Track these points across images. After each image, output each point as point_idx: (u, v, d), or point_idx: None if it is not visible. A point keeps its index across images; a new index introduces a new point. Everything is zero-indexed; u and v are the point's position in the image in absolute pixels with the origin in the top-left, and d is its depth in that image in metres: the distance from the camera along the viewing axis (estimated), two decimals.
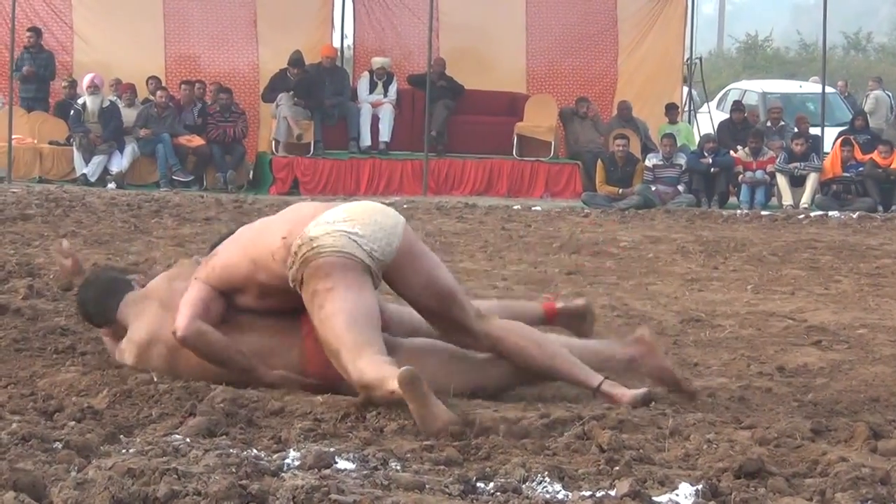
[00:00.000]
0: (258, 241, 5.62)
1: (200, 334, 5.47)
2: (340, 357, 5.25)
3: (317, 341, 5.52)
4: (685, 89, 23.77)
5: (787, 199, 19.95)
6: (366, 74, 21.52)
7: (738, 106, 23.00)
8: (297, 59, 20.55)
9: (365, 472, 4.09)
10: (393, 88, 21.41)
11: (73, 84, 20.49)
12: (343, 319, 5.27)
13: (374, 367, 5.10)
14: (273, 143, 20.48)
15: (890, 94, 27.24)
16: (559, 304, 6.22)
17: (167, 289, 5.85)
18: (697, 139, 22.16)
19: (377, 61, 21.49)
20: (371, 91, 21.36)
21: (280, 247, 5.49)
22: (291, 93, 20.37)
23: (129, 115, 20.27)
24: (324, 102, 20.75)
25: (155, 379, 5.35)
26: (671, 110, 22.03)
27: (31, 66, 20.41)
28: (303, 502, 3.73)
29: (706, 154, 20.33)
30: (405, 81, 21.81)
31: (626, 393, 5.36)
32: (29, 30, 20.53)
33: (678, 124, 22.10)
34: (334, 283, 5.34)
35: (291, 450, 4.34)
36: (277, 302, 5.62)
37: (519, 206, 18.24)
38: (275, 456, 4.26)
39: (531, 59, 22.63)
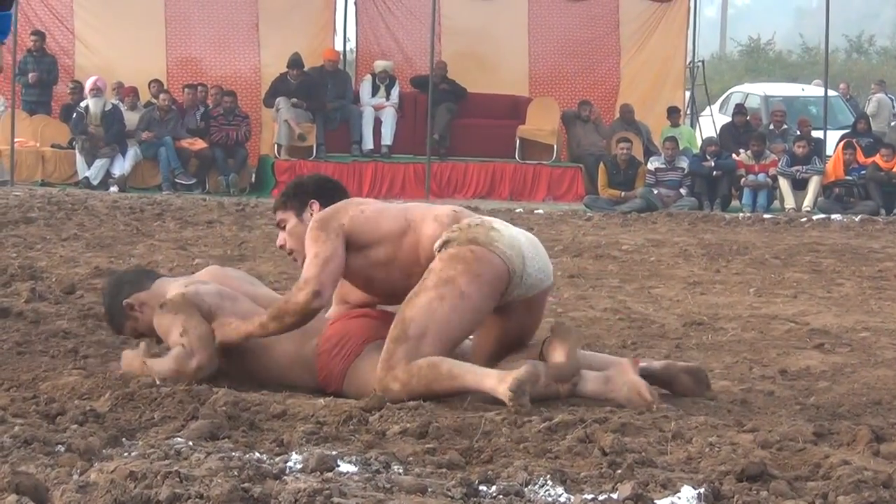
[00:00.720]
0: (419, 207, 5.67)
1: (321, 305, 5.50)
2: (404, 344, 5.29)
3: (329, 339, 5.56)
4: (687, 93, 23.78)
5: (790, 203, 19.96)
6: (368, 77, 21.55)
7: (740, 109, 23.02)
8: (295, 61, 20.57)
9: (367, 475, 4.08)
10: (395, 92, 21.43)
11: (79, 88, 20.50)
12: (441, 330, 5.32)
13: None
14: (275, 146, 20.51)
15: (892, 98, 27.24)
16: (643, 363, 6.04)
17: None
18: (699, 142, 22.18)
19: (379, 64, 21.50)
20: (373, 94, 21.38)
21: (448, 213, 5.53)
22: (290, 97, 20.39)
23: (131, 118, 20.29)
24: (326, 106, 20.77)
25: (157, 382, 5.36)
26: (673, 113, 22.04)
27: (36, 72, 20.45)
28: None
29: (708, 157, 20.34)
30: (408, 84, 21.84)
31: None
32: (33, 33, 20.56)
33: (680, 127, 22.12)
34: (474, 290, 5.33)
35: (294, 453, 4.34)
36: (381, 272, 5.57)
37: (521, 210, 18.26)
38: (277, 459, 4.26)
39: (534, 62, 22.64)
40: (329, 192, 5.84)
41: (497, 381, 5.20)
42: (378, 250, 5.55)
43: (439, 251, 5.43)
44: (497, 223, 5.53)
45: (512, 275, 5.40)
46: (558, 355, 5.47)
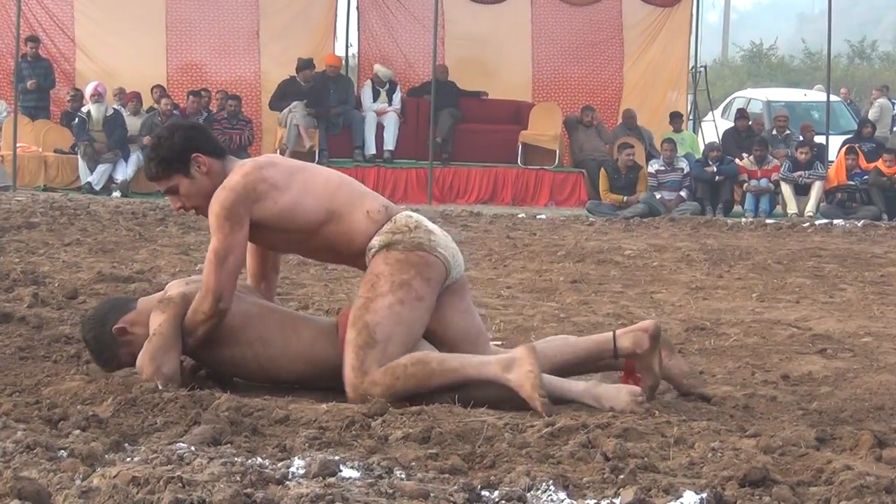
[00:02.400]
0: (345, 194, 5.57)
1: (227, 307, 5.53)
2: (374, 348, 5.37)
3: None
4: (690, 97, 23.77)
5: (792, 208, 19.96)
6: (369, 83, 21.57)
7: (742, 114, 23.00)
8: (306, 63, 20.60)
9: (369, 480, 4.08)
10: (397, 96, 21.44)
11: (79, 96, 20.50)
12: (405, 333, 5.42)
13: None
14: (277, 151, 20.49)
15: (895, 102, 27.23)
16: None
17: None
18: (702, 147, 22.17)
19: (378, 69, 21.51)
20: (375, 99, 21.39)
21: (380, 210, 5.55)
22: (304, 101, 20.42)
23: (133, 123, 20.30)
24: (329, 111, 20.79)
25: (160, 387, 5.35)
26: (675, 119, 22.04)
27: (34, 79, 20.46)
28: None
29: (711, 162, 20.34)
30: (406, 93, 21.87)
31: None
32: (27, 39, 20.50)
33: (682, 133, 22.11)
34: (427, 293, 5.47)
35: (296, 458, 4.34)
36: (294, 249, 5.79)
37: (524, 215, 18.25)
38: (279, 464, 4.26)
39: (536, 67, 22.65)
40: (201, 138, 5.69)
41: (501, 369, 5.29)
42: (291, 235, 5.62)
43: (378, 251, 5.48)
44: (424, 221, 5.60)
45: (448, 272, 5.56)
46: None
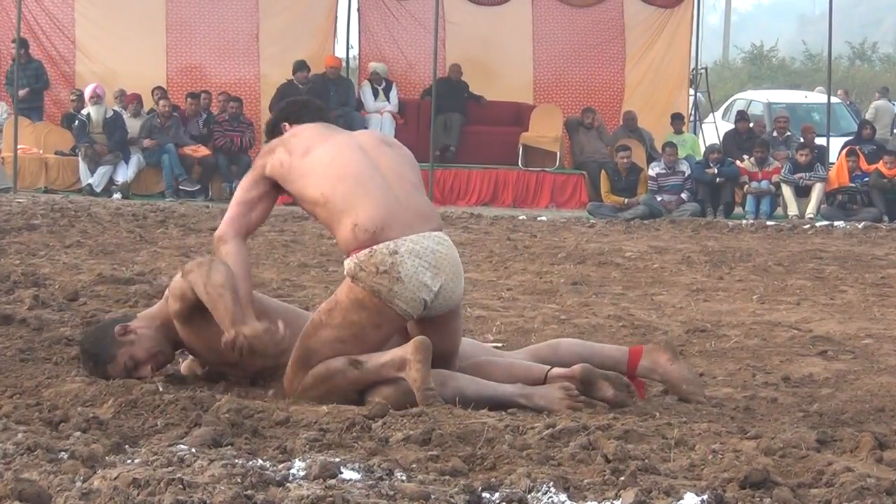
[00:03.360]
0: (342, 188, 5.56)
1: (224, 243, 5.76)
2: (305, 369, 5.50)
3: None
4: (691, 99, 23.76)
5: (793, 210, 19.96)
6: (367, 83, 21.58)
7: (742, 116, 22.98)
8: (302, 64, 20.62)
9: (370, 482, 4.08)
10: (393, 95, 21.43)
11: (80, 98, 20.50)
12: (331, 369, 5.48)
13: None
14: None
15: (894, 103, 27.23)
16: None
17: None
18: (703, 149, 22.16)
19: (373, 66, 21.48)
20: (375, 98, 21.39)
21: (367, 230, 5.47)
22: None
23: (134, 125, 20.30)
24: (330, 112, 20.78)
25: (160, 388, 5.36)
26: (676, 120, 22.03)
27: (26, 85, 20.41)
28: None
29: (711, 164, 20.33)
30: (407, 89, 21.85)
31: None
32: (14, 41, 20.41)
33: (683, 134, 22.10)
34: (374, 336, 5.51)
35: (297, 460, 4.34)
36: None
37: (524, 217, 18.25)
38: (280, 466, 4.26)
39: (537, 68, 22.64)
40: (297, 112, 6.00)
41: (395, 368, 5.42)
42: (296, 198, 5.74)
43: (346, 271, 5.50)
44: (406, 261, 5.44)
45: (411, 318, 5.55)
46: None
